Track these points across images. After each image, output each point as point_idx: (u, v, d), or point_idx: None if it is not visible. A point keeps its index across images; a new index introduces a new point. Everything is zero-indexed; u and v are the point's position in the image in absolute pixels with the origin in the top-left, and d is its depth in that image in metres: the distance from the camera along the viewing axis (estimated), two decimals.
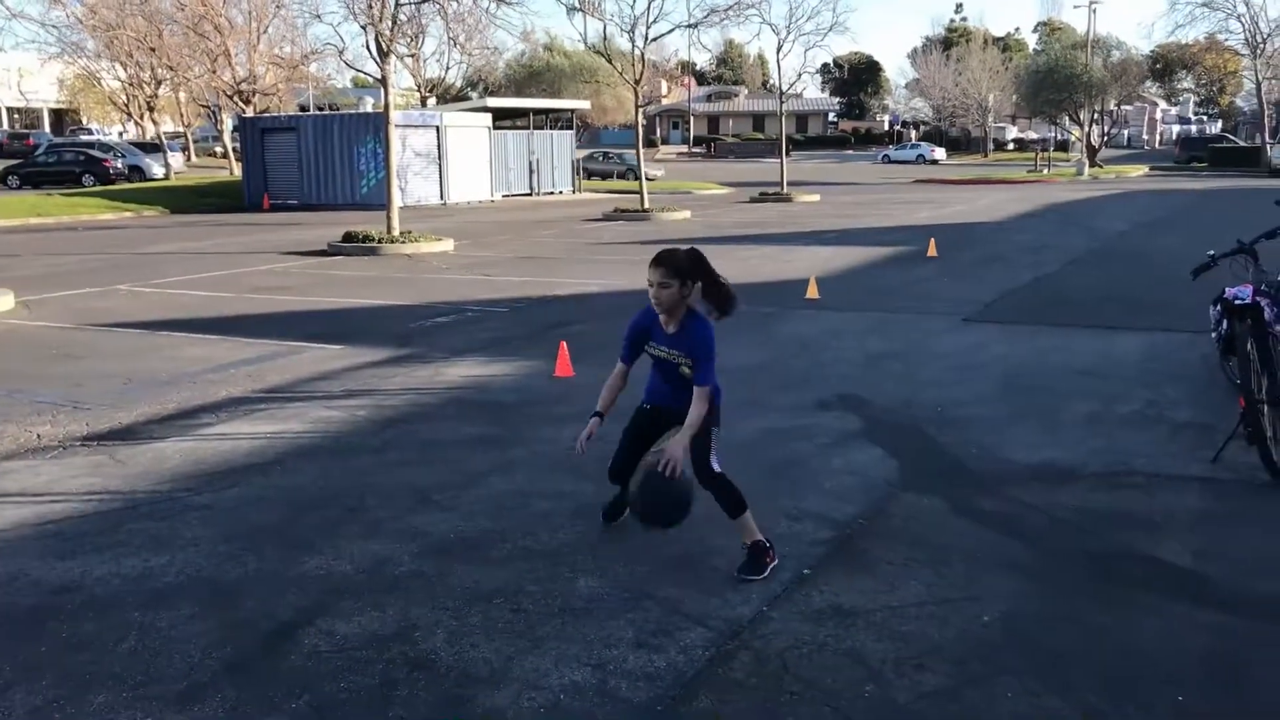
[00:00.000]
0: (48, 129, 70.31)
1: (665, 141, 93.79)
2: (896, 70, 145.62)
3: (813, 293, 13.32)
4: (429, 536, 5.37)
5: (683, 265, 4.69)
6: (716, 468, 4.85)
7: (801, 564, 4.94)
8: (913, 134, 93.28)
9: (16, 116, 74.04)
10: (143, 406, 8.13)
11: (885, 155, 77.50)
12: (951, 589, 4.69)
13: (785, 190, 37.08)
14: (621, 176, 50.26)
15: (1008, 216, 27.92)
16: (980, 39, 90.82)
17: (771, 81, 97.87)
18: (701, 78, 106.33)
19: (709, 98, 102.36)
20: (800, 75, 43.85)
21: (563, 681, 3.88)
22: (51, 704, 3.77)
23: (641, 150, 29.90)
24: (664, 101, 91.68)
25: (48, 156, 43.55)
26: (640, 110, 29.96)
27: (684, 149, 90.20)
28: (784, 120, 38.59)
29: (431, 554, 5.14)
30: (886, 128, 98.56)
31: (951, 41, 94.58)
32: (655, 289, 4.68)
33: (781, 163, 38.81)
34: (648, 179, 37.03)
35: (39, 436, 7.32)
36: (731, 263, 17.69)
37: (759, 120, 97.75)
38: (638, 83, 28.93)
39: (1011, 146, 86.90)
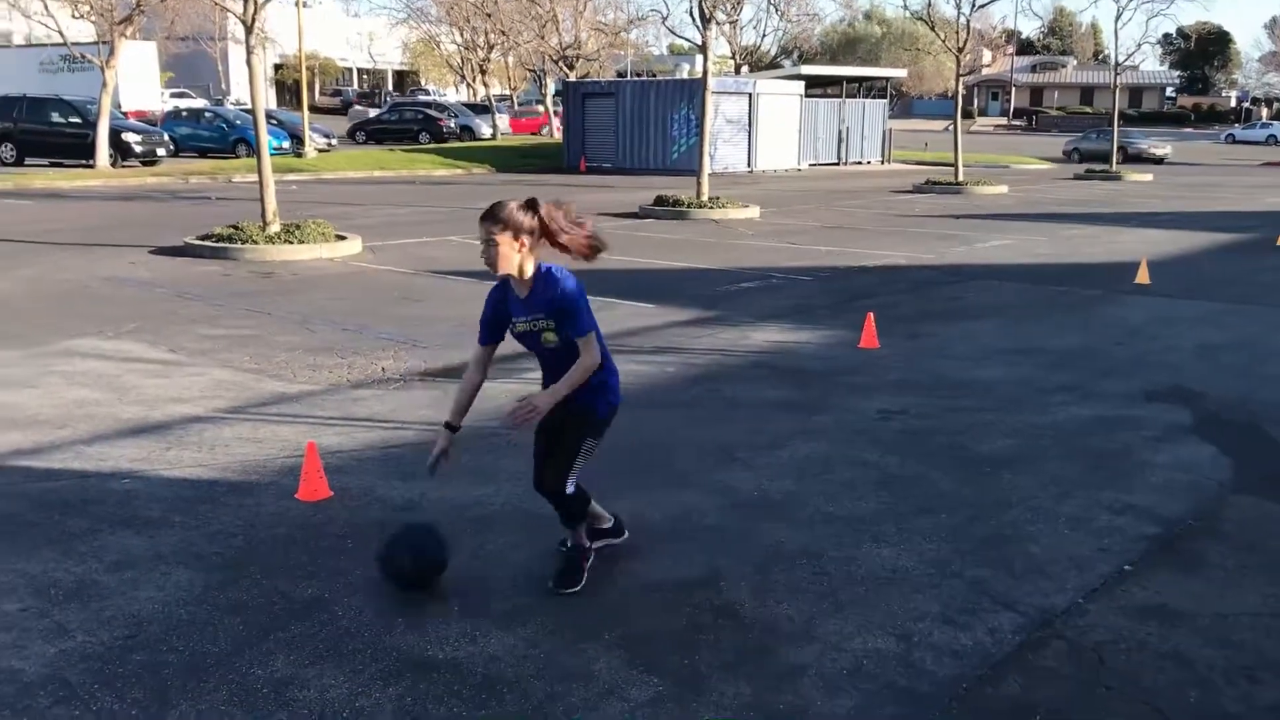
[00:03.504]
0: (391, 89, 76.08)
1: (983, 113, 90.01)
2: (1250, 42, 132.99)
3: (1143, 277, 12.47)
4: (734, 492, 5.48)
5: (512, 216, 3.95)
6: (570, 489, 4.20)
7: (1122, 559, 4.69)
8: (1264, 112, 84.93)
9: (365, 77, 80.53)
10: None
11: (1230, 135, 71.01)
12: None
13: (1114, 168, 34.82)
14: (1104, 158, 40.36)
15: None
16: None
17: (1104, 52, 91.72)
18: (1028, 47, 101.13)
19: (1033, 68, 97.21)
20: (1139, 46, 40.92)
21: (865, 647, 3.88)
22: (397, 608, 4.15)
23: (960, 122, 28.84)
24: (984, 71, 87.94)
25: (390, 115, 47.18)
26: (960, 80, 28.89)
27: (1002, 121, 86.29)
28: (1116, 93, 36.14)
29: (735, 509, 5.25)
30: (1233, 105, 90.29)
31: None
32: (483, 247, 4.00)
33: (1113, 138, 36.44)
34: (1156, 160, 35.15)
35: (383, 369, 8.01)
36: (1053, 241, 16.85)
37: (1087, 93, 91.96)
38: (961, 51, 27.88)
39: None
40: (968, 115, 74.69)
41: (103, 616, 4.06)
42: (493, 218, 3.95)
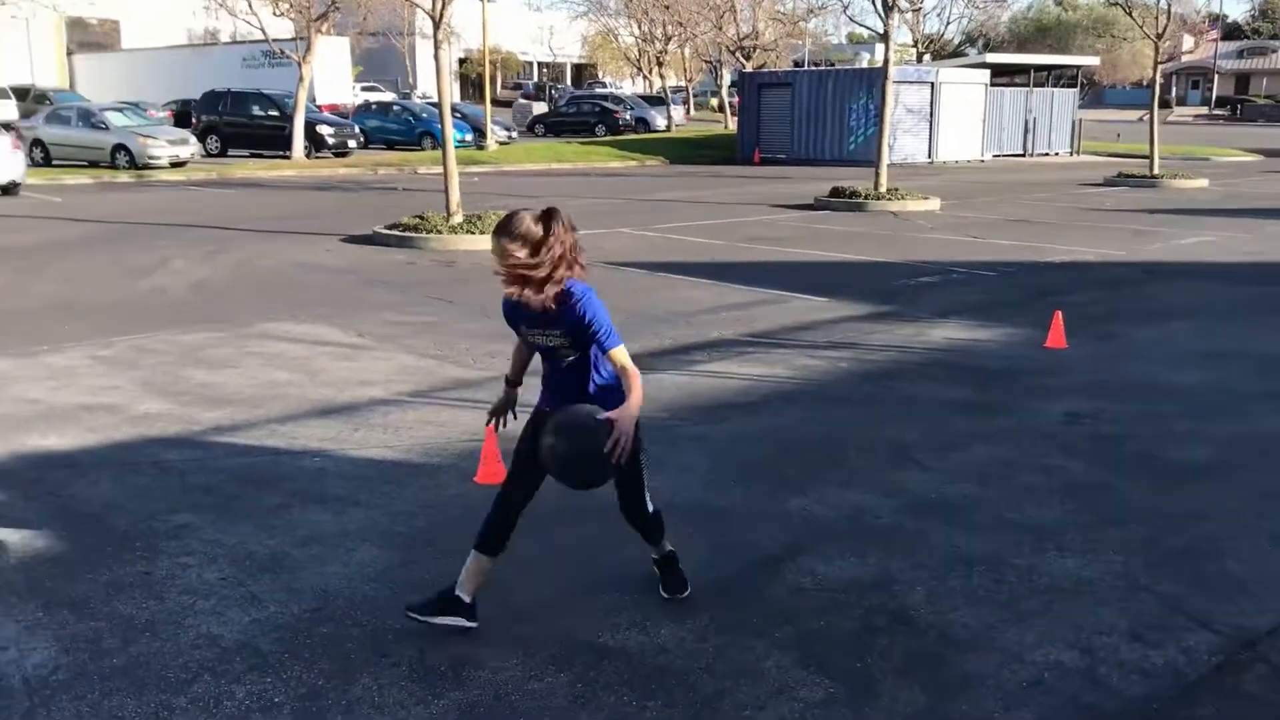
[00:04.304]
0: (569, 82, 77.34)
1: (1182, 102, 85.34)
2: None
3: None
4: (909, 493, 5.36)
5: (530, 230, 3.58)
6: (651, 508, 4.01)
7: None
8: None
9: (545, 70, 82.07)
10: (643, 339, 8.76)
11: None
12: None
13: None
14: None
15: None
16: None
17: None
18: (1234, 31, 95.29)
19: (1239, 54, 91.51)
20: None
21: (1047, 660, 3.73)
22: (572, 592, 4.21)
23: (1156, 111, 27.39)
24: (1184, 58, 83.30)
25: (568, 107, 47.99)
26: (1157, 68, 27.42)
27: (1203, 110, 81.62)
28: None
29: (911, 511, 5.12)
30: None
31: None
32: (498, 263, 3.62)
33: None
34: None
35: None
36: (1260, 238, 15.89)
37: None
38: (1160, 37, 26.47)
39: None
40: (1165, 104, 70.80)
41: (292, 588, 4.26)
42: (508, 232, 3.57)
